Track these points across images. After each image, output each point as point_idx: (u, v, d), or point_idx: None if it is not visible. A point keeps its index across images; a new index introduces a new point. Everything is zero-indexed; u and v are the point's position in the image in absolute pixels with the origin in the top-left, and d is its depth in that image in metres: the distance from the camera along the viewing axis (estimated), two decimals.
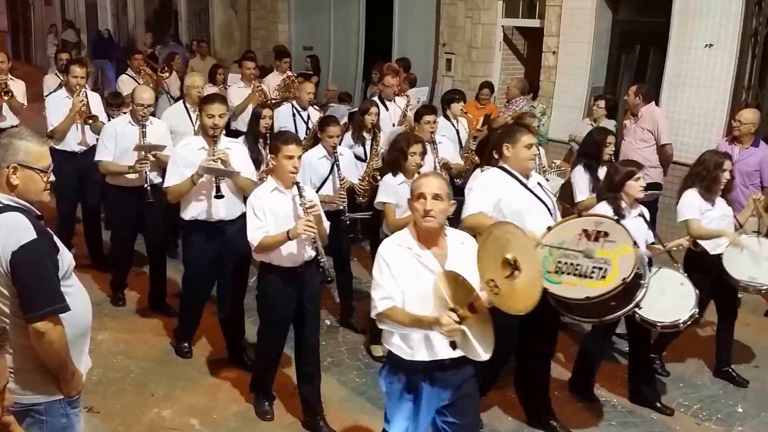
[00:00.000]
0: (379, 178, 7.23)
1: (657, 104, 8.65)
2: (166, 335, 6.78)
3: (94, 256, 8.29)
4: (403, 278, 3.85)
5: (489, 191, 5.08)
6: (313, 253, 5.16)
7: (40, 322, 3.24)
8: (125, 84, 10.34)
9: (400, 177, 6.06)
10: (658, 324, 5.37)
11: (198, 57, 14.13)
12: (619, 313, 4.88)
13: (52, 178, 3.55)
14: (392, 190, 6.04)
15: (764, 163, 7.05)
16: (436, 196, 3.85)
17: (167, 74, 10.71)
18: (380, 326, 3.95)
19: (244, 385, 5.87)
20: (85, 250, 8.25)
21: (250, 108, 9.05)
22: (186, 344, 6.46)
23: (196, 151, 5.84)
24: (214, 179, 5.76)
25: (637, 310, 5.02)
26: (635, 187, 5.49)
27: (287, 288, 5.18)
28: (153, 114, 9.21)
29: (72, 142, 7.87)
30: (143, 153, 6.68)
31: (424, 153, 6.17)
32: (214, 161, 5.67)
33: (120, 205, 7.10)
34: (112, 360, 6.29)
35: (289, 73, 10.74)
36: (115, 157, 6.83)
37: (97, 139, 7.26)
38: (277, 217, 5.05)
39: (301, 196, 5.01)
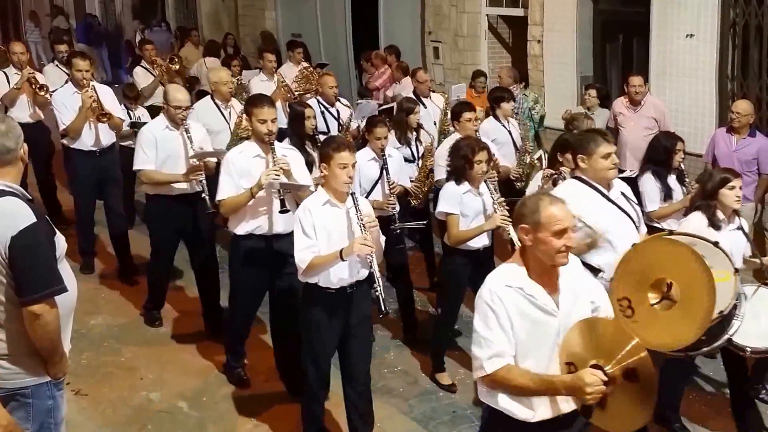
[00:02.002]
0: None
1: None
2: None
3: (123, 265, 7.73)
4: (517, 329, 3.21)
5: None
6: (365, 272, 4.69)
7: (37, 305, 3.27)
8: (140, 77, 10.05)
9: (465, 186, 5.57)
10: (748, 349, 4.67)
11: (190, 45, 13.85)
12: (706, 348, 4.35)
13: None
14: (455, 200, 5.55)
15: (762, 151, 7.19)
16: (573, 228, 3.30)
17: (176, 66, 10.21)
18: (488, 389, 3.32)
19: None
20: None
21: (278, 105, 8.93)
22: (239, 369, 5.86)
23: (251, 159, 5.27)
24: (277, 192, 5.20)
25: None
26: (730, 197, 4.95)
27: (336, 313, 4.68)
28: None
29: (87, 141, 7.49)
30: (197, 161, 6.07)
31: (490, 160, 5.71)
32: (276, 174, 5.10)
33: (165, 217, 6.34)
34: (103, 344, 6.37)
35: (305, 64, 10.26)
36: (157, 166, 6.17)
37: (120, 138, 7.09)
38: (330, 234, 4.53)
39: (357, 209, 4.51)
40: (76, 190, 7.92)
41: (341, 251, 4.41)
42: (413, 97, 8.22)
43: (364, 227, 4.44)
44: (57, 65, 9.71)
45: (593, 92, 8.82)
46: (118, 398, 5.59)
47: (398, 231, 6.25)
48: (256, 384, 5.81)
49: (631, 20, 9.58)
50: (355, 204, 4.53)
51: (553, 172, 5.85)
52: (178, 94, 6.18)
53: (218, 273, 6.62)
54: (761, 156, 7.15)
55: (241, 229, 5.36)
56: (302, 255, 4.47)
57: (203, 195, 6.06)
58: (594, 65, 10.24)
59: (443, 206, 5.60)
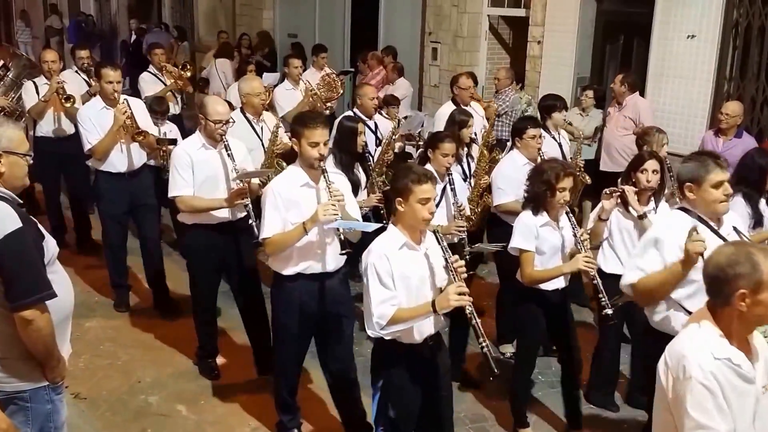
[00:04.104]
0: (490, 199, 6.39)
1: (642, 95, 8.79)
2: (154, 322, 6.79)
3: (158, 301, 7.10)
4: (729, 403, 2.79)
5: (671, 245, 3.87)
6: (443, 323, 4.14)
7: (27, 310, 3.24)
8: (147, 83, 9.40)
9: (543, 217, 4.85)
10: None
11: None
12: None
13: (30, 161, 3.54)
14: (531, 233, 4.83)
15: None
16: None
17: (188, 73, 9.48)
18: None
19: (231, 372, 5.95)
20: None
21: None
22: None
23: (298, 189, 4.58)
24: (337, 230, 4.51)
25: None
26: None
27: (418, 371, 4.08)
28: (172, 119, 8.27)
29: (117, 164, 6.66)
30: (240, 182, 5.37)
31: (575, 189, 4.99)
32: (335, 211, 4.37)
33: (205, 250, 5.60)
34: (100, 347, 6.32)
35: (328, 70, 9.92)
36: (195, 190, 5.45)
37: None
38: (409, 282, 3.88)
39: (445, 251, 3.86)
40: (103, 215, 7.00)
41: (433, 303, 3.77)
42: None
43: (457, 273, 3.81)
44: (77, 72, 8.92)
45: (590, 93, 9.01)
46: (117, 401, 5.55)
47: (469, 255, 5.58)
48: (253, 387, 5.77)
49: (634, 21, 9.63)
50: (440, 244, 3.88)
51: (615, 188, 5.19)
52: (218, 106, 5.44)
53: (265, 310, 5.74)
54: None
55: (290, 269, 4.68)
56: (382, 309, 3.79)
57: (250, 221, 5.33)
58: (592, 66, 10.29)
59: (517, 241, 4.88)
